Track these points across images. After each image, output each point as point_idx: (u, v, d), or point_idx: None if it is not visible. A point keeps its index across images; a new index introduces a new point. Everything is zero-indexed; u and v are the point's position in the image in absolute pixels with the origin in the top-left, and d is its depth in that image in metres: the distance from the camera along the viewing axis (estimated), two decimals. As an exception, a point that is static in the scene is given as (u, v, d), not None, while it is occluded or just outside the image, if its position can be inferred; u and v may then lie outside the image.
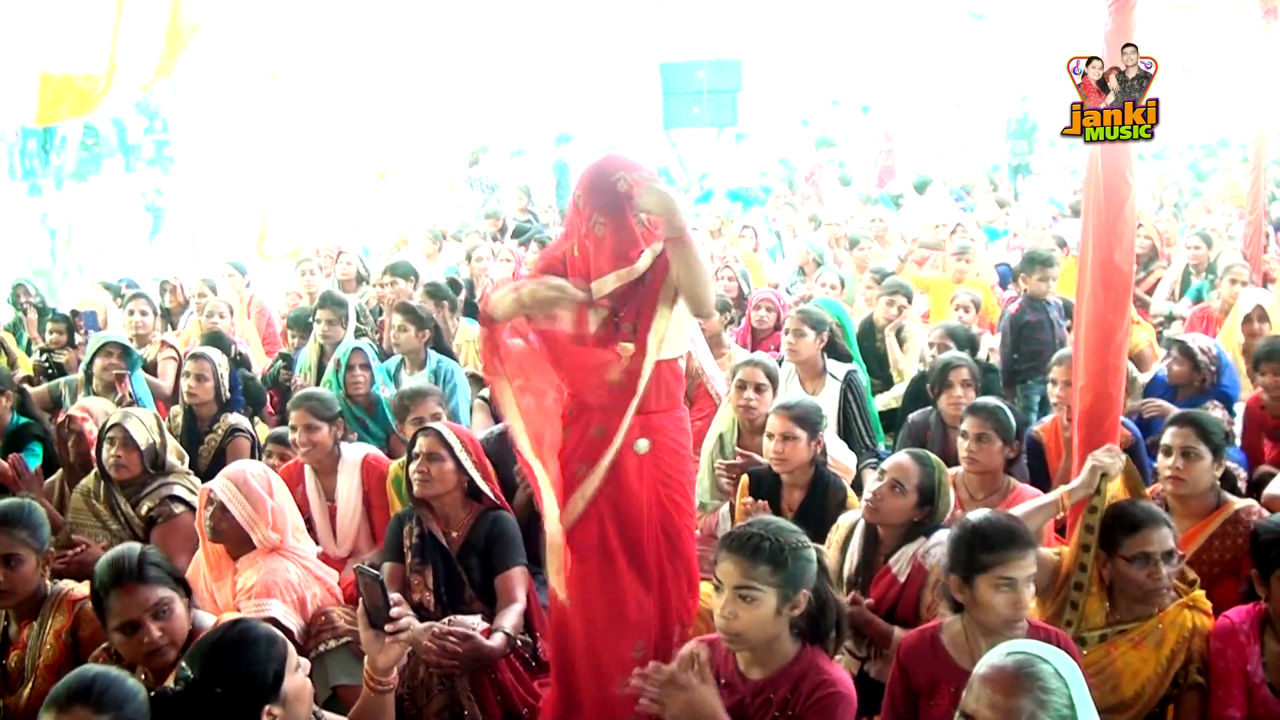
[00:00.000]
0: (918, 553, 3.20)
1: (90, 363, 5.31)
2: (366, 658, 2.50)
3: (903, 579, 3.19)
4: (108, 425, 4.09)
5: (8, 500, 3.24)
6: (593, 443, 3.08)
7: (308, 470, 4.20)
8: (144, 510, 4.03)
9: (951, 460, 4.14)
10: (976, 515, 2.78)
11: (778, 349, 5.27)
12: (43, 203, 11.41)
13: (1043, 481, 4.36)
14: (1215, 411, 4.38)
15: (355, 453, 4.24)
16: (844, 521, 3.48)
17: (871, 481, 3.33)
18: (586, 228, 3.09)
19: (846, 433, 4.69)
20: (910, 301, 6.05)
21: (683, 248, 2.94)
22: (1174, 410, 4.15)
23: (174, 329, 7.27)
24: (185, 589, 2.78)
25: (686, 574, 3.18)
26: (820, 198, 11.84)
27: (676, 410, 3.21)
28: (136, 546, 2.81)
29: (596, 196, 3.08)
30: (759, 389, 4.24)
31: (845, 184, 12.49)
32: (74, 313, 6.80)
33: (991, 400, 3.93)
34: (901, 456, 3.33)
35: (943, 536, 3.18)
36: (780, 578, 2.39)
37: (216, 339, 5.84)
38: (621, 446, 3.07)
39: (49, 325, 6.52)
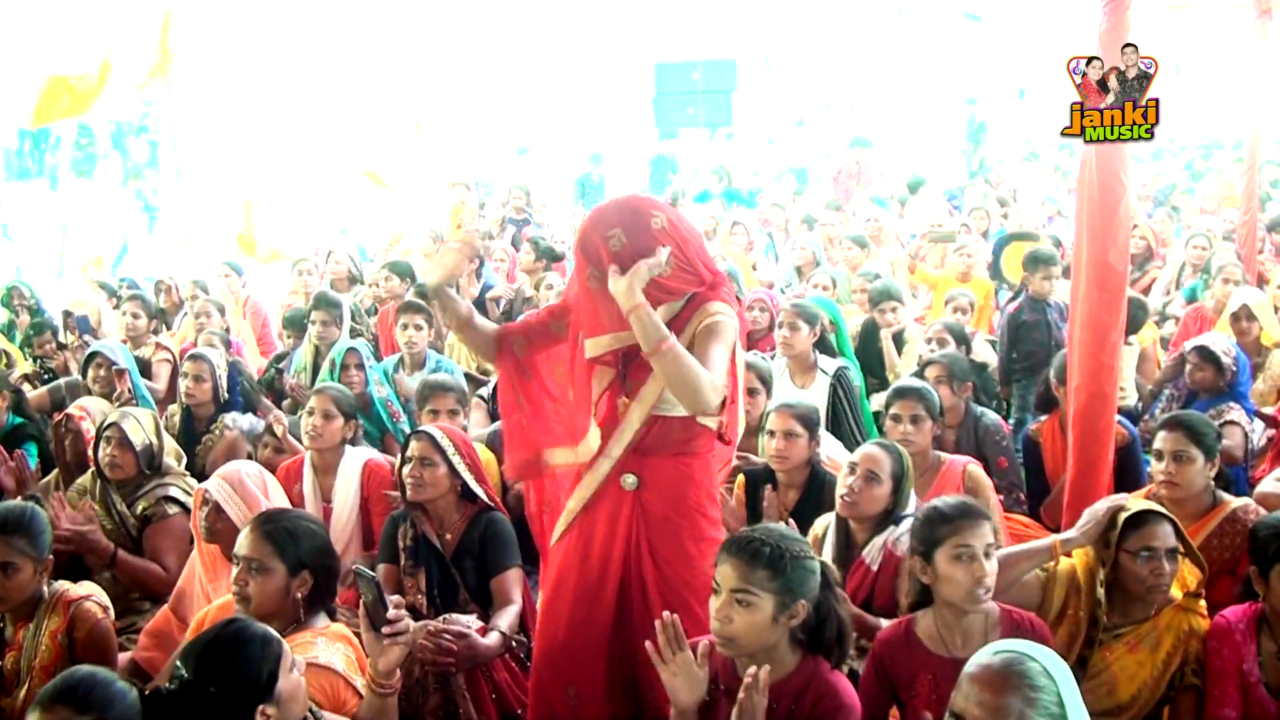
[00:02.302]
0: (888, 541, 3.23)
1: (85, 373, 5.34)
2: (368, 661, 2.49)
3: (875, 568, 3.23)
4: (105, 424, 4.08)
5: (9, 505, 3.20)
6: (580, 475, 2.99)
7: (307, 469, 4.19)
8: (139, 510, 4.03)
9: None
10: (935, 499, 2.84)
11: (774, 349, 5.27)
12: (3, 213, 11.37)
13: (1039, 481, 4.36)
14: (1232, 414, 4.37)
15: (358, 456, 4.21)
16: (818, 524, 3.50)
17: (844, 477, 3.31)
18: (583, 278, 2.83)
19: (836, 428, 4.69)
20: (902, 303, 6.05)
21: (658, 358, 2.60)
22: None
23: (169, 329, 7.25)
24: (310, 574, 2.78)
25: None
26: (847, 195, 11.65)
27: (688, 459, 2.93)
28: (296, 510, 3.09)
29: (590, 248, 2.77)
30: (752, 393, 4.24)
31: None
32: (66, 314, 6.79)
33: (915, 381, 4.09)
34: (870, 448, 3.33)
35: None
36: (778, 584, 2.39)
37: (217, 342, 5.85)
38: (607, 483, 2.91)
39: (34, 339, 6.51)
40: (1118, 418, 4.03)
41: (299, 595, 2.77)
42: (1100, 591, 2.95)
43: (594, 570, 2.92)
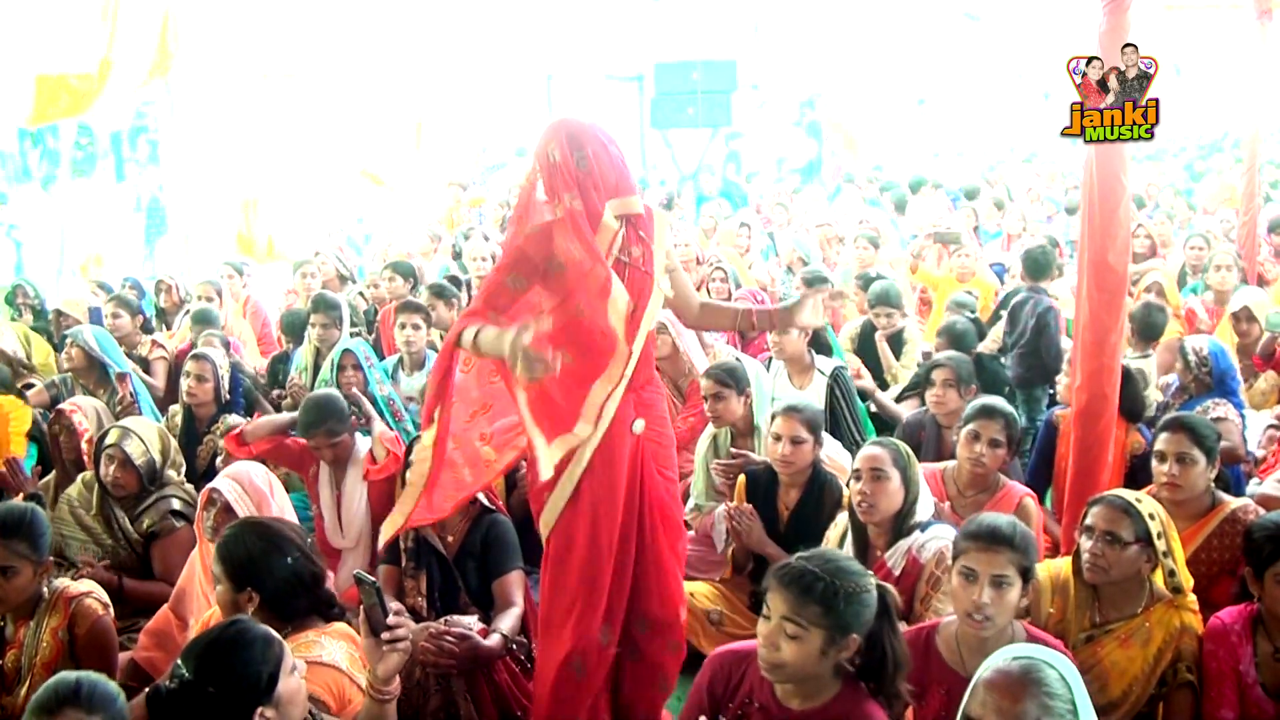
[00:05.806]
0: (913, 547, 3.21)
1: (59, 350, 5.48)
2: (368, 666, 2.49)
3: (897, 572, 3.20)
4: (105, 443, 4.03)
5: (9, 506, 3.18)
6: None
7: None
8: (145, 525, 4.01)
9: (947, 458, 4.14)
10: (985, 514, 2.79)
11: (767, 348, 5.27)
12: (7, 213, 11.36)
13: (1045, 464, 4.32)
14: (1218, 409, 4.37)
15: (367, 445, 4.27)
16: (841, 521, 3.49)
17: (853, 483, 3.29)
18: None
19: (835, 428, 4.68)
20: (898, 307, 6.04)
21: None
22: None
23: (169, 329, 7.24)
24: (255, 592, 2.75)
25: (668, 572, 3.10)
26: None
27: (657, 386, 3.17)
28: (258, 522, 2.96)
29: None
30: (718, 397, 4.26)
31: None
32: (58, 313, 6.77)
33: (1003, 404, 3.89)
34: (869, 449, 3.32)
35: (939, 531, 3.21)
36: (830, 620, 2.29)
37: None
38: (614, 425, 2.92)
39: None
40: (1140, 426, 4.01)
41: (248, 610, 2.73)
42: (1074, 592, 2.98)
43: (618, 528, 3.03)
